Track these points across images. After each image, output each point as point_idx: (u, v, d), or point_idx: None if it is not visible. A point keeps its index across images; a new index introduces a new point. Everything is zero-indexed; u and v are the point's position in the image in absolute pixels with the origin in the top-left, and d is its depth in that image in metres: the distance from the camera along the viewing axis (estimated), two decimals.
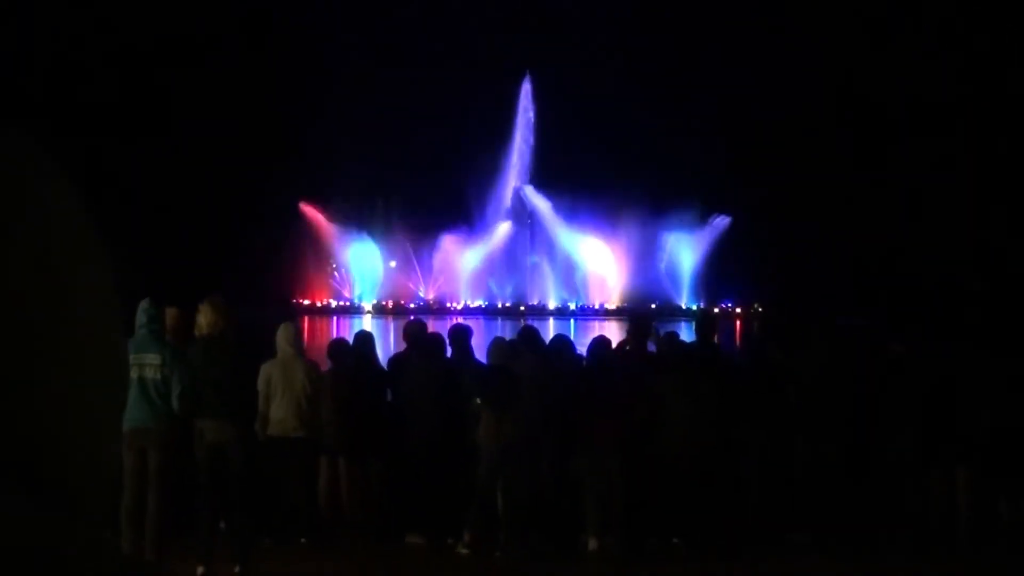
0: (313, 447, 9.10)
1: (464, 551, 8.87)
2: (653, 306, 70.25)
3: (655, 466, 9.23)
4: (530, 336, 9.70)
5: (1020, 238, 61.64)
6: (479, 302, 78.71)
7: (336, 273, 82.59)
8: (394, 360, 10.19)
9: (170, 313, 8.40)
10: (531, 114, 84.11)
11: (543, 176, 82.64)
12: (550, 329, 25.28)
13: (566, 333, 12.18)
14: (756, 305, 74.21)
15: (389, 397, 9.69)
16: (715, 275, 78.39)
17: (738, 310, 74.01)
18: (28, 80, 68.72)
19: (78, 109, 68.76)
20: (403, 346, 10.07)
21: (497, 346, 9.56)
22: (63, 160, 0.71)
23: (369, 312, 72.82)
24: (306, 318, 59.21)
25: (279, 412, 8.71)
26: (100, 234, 0.71)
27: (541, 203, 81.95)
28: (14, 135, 0.68)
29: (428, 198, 79.37)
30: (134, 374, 7.54)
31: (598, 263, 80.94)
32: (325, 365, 9.59)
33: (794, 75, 77.02)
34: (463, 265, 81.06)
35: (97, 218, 0.72)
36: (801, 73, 76.96)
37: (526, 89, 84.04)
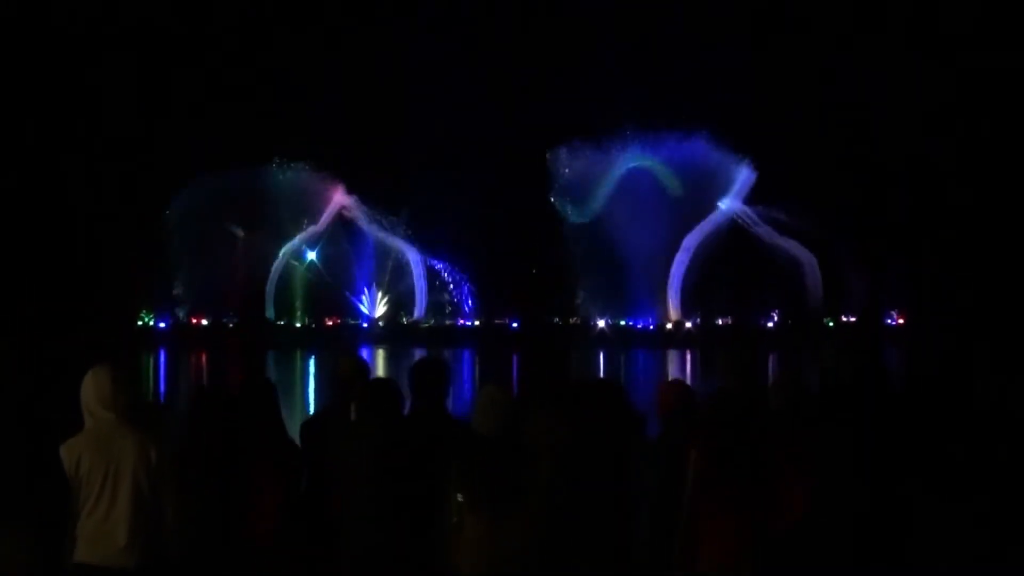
0: None
1: None
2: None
3: None
4: (550, 382, 5.89)
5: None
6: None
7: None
8: (314, 423, 6.33)
9: None
10: None
11: None
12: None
13: (616, 377, 8.56)
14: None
15: (304, 484, 6.08)
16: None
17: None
18: None
19: None
20: (329, 398, 6.55)
21: (491, 399, 5.74)
22: None
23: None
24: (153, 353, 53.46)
25: (94, 523, 5.12)
26: None
27: None
28: None
29: None
30: None
31: None
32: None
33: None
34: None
35: None
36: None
37: None
